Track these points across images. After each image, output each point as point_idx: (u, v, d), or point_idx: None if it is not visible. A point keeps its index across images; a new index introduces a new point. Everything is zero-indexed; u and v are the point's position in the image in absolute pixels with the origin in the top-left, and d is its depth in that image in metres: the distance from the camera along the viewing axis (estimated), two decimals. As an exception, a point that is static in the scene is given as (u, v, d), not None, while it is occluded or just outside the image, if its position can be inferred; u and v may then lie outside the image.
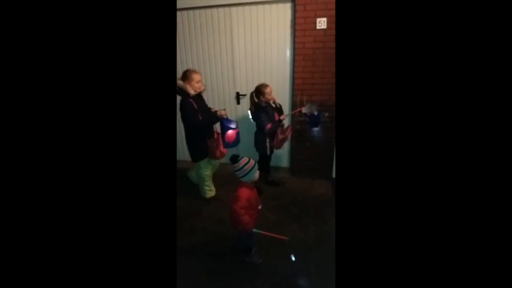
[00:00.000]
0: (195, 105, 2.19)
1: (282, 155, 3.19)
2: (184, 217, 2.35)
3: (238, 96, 3.05)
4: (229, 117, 2.49)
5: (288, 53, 2.77)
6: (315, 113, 2.47)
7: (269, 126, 2.40)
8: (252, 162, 1.62)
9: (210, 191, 2.58)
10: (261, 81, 2.50)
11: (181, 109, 2.20)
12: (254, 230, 1.65)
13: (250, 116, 2.52)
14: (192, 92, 2.17)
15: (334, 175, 2.95)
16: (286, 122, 2.81)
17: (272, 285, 1.66)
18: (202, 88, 2.25)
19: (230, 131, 2.29)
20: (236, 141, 2.35)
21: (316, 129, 2.75)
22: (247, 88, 2.98)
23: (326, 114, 2.72)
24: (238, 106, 3.11)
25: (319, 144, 2.87)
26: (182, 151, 3.50)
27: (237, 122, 2.36)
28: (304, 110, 2.51)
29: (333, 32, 2.44)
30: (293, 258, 1.82)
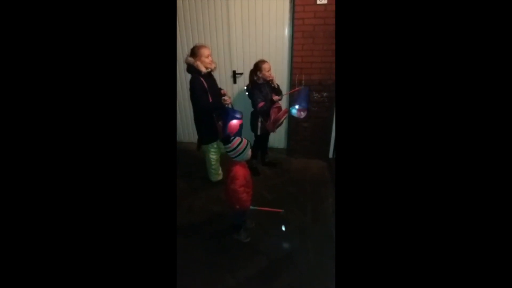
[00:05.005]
0: (205, 85, 2.08)
1: (279, 136, 3.17)
2: (182, 197, 2.35)
3: (234, 75, 2.98)
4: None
5: (286, 30, 2.67)
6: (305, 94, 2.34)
7: (261, 104, 2.34)
8: (244, 141, 1.63)
9: (216, 174, 2.53)
10: (258, 60, 2.42)
11: (190, 88, 2.09)
12: (251, 207, 1.69)
13: (246, 93, 2.46)
14: (203, 69, 2.05)
15: (330, 156, 2.97)
16: (283, 105, 2.77)
17: (271, 262, 1.70)
18: (213, 65, 2.13)
19: (234, 122, 2.16)
20: (238, 132, 2.24)
21: (301, 114, 2.42)
22: (244, 67, 2.90)
23: (325, 94, 2.69)
24: (234, 85, 3.03)
25: (316, 124, 2.85)
26: (183, 133, 3.47)
27: (241, 113, 2.24)
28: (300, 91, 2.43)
29: (334, 7, 2.35)
30: (284, 228, 1.95)
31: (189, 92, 2.12)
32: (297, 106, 2.38)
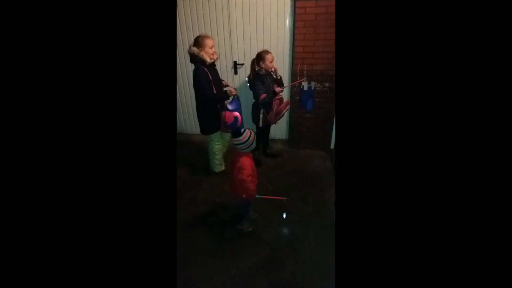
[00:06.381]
0: (209, 76, 2.08)
1: (281, 127, 3.17)
2: (185, 189, 2.37)
3: (235, 66, 2.95)
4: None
5: (288, 19, 2.63)
6: (312, 88, 2.42)
7: (263, 96, 2.31)
8: (253, 133, 1.66)
9: (219, 165, 2.54)
10: (259, 50, 2.39)
11: (194, 79, 2.10)
12: (257, 196, 1.73)
13: (248, 84, 2.44)
14: (208, 59, 2.06)
15: (332, 147, 2.97)
16: (285, 96, 2.75)
17: (273, 252, 1.73)
18: (215, 56, 2.14)
19: (229, 113, 2.20)
20: (235, 123, 2.24)
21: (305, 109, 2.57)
22: (245, 57, 2.87)
23: (327, 85, 2.67)
24: (235, 76, 3.01)
25: (318, 115, 2.84)
26: (186, 124, 3.47)
27: (239, 103, 2.27)
28: (304, 83, 2.46)
29: (337, -5, 2.30)
30: (285, 216, 2.04)
31: (192, 83, 2.11)
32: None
